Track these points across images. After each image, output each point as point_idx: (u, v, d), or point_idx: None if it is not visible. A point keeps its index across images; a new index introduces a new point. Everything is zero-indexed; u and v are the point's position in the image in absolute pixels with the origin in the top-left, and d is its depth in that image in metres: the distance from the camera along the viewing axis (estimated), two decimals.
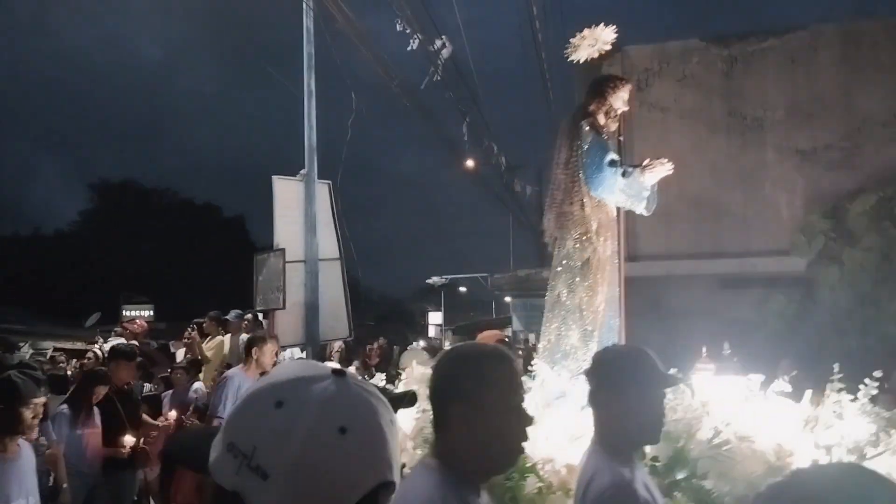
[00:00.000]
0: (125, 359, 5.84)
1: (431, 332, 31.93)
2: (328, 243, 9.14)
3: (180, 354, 8.97)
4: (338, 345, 9.52)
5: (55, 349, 10.79)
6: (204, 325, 8.52)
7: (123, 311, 17.01)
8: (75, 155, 72.44)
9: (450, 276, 31.54)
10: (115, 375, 5.57)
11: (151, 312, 14.62)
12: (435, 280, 31.06)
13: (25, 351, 9.46)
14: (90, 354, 8.65)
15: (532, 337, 13.88)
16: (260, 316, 8.91)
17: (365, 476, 0.83)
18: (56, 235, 40.38)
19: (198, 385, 7.27)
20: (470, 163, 14.25)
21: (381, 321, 31.99)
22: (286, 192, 8.80)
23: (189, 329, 8.31)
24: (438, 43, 8.69)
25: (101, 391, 5.30)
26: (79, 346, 12.98)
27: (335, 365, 0.95)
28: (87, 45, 79.25)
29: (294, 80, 9.38)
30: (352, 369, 6.94)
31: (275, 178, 8.88)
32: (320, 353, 8.67)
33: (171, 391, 7.66)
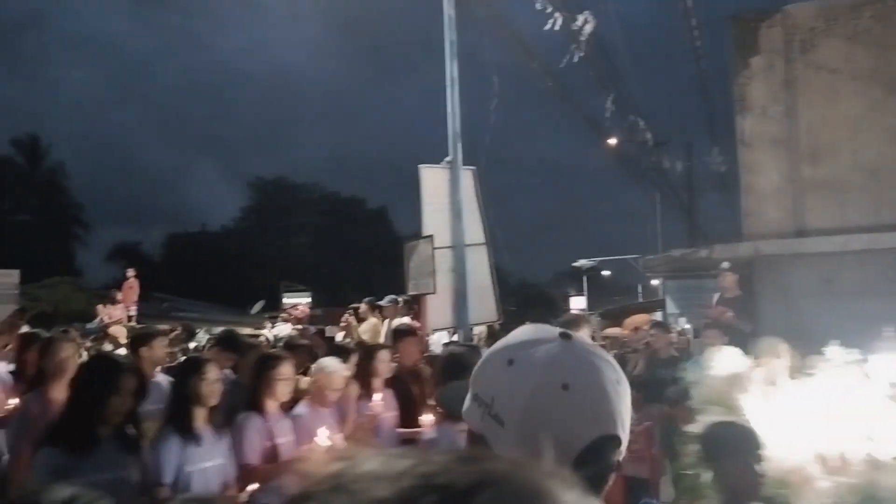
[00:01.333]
0: (411, 335, 5.50)
1: None
2: (474, 229, 9.24)
3: (338, 338, 9.46)
4: (479, 330, 9.46)
5: None
6: (359, 309, 8.92)
7: (283, 299, 18.25)
8: (232, 155, 78.44)
9: (598, 259, 30.85)
10: (403, 354, 5.14)
11: (310, 299, 15.52)
12: (583, 263, 30.53)
13: (202, 337, 10.32)
14: (261, 339, 9.32)
15: (682, 321, 13.26)
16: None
17: (588, 428, 0.90)
18: (222, 231, 44.00)
19: None
20: (613, 141, 13.81)
21: (522, 306, 31.93)
22: (433, 180, 8.99)
23: (346, 314, 8.74)
24: (580, 18, 8.47)
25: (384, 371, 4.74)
26: (247, 331, 13.99)
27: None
28: (235, 52, 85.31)
29: (435, 68, 9.55)
30: None
31: (421, 166, 9.09)
32: (469, 337, 8.78)
33: None
